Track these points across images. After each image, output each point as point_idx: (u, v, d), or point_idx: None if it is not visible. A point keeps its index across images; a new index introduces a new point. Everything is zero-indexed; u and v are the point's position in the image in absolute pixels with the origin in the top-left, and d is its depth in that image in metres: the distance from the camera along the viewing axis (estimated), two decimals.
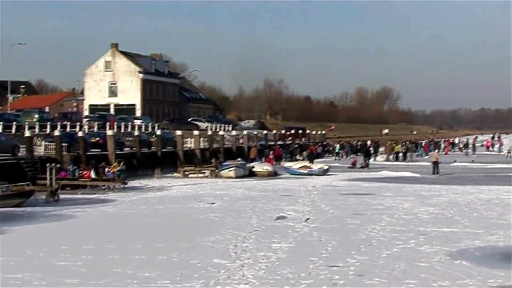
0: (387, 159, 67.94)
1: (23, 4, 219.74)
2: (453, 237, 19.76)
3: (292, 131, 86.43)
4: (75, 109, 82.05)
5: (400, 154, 69.14)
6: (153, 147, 51.93)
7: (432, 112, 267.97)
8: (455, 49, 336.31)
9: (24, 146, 39.49)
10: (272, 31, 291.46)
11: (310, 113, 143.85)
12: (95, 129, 56.40)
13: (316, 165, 49.55)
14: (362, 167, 55.51)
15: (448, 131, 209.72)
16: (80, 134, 44.63)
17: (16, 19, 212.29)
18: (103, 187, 36.28)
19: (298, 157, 65.82)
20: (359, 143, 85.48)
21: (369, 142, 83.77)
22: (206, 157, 54.92)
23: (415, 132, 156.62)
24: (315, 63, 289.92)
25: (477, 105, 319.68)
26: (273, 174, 46.67)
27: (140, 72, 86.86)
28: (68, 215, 25.35)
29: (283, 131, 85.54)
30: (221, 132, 65.73)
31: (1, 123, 48.40)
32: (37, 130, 49.50)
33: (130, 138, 51.55)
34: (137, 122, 67.23)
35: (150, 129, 63.72)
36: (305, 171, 47.11)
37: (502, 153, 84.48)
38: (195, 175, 45.50)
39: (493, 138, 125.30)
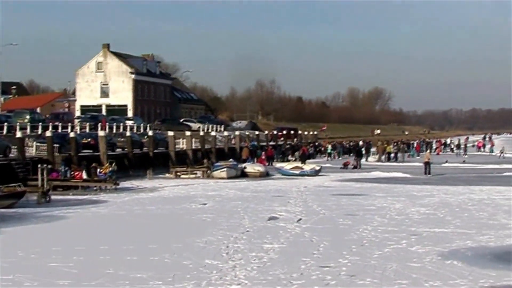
0: (379, 160, 68.09)
1: (13, 5, 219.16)
2: (445, 237, 19.82)
3: (284, 132, 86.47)
4: (66, 109, 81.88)
5: (392, 155, 69.31)
6: (145, 148, 51.85)
7: (424, 112, 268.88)
8: (447, 49, 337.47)
9: (15, 147, 39.35)
10: (264, 31, 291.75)
11: (302, 114, 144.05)
12: (87, 130, 56.25)
13: (308, 166, 49.58)
14: (354, 167, 55.60)
15: (439, 132, 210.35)
16: (71, 135, 44.50)
17: (7, 19, 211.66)
18: (95, 188, 36.19)
19: (290, 157, 65.84)
20: (351, 143, 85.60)
21: (361, 143, 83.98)
22: (198, 158, 54.88)
23: (406, 133, 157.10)
24: (307, 63, 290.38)
25: (469, 106, 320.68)
26: (265, 175, 46.66)
27: (131, 72, 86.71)
28: (59, 216, 25.28)
29: (275, 132, 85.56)
30: (213, 133, 65.69)
31: None
32: (28, 131, 49.36)
33: (122, 139, 51.43)
34: (129, 122, 67.10)
35: (142, 130, 63.62)
36: (297, 172, 47.12)
37: (493, 154, 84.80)
38: (187, 176, 45.48)
39: (484, 138, 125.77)
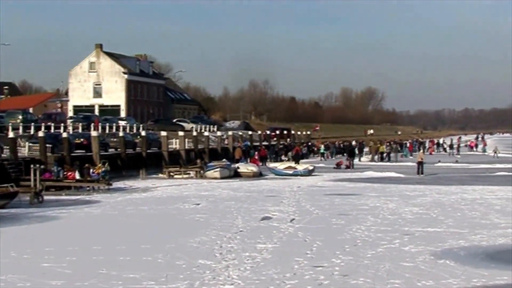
0: (372, 160, 68.19)
1: (6, 5, 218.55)
2: (438, 237, 19.86)
3: (277, 132, 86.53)
4: (59, 110, 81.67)
5: (385, 155, 69.40)
6: (138, 148, 51.78)
7: (417, 112, 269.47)
8: (440, 49, 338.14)
9: (8, 147, 39.24)
10: (259, 32, 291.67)
11: (295, 114, 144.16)
12: (80, 130, 56.14)
13: (301, 166, 49.60)
14: (347, 167, 55.66)
15: (432, 132, 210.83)
16: (64, 135, 44.43)
17: None
18: (88, 188, 36.12)
19: (283, 157, 65.86)
20: (344, 143, 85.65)
21: (354, 143, 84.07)
22: (191, 158, 54.83)
23: (399, 133, 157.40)
24: (300, 63, 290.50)
25: (461, 106, 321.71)
26: (258, 175, 46.65)
27: (124, 72, 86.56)
28: (52, 217, 25.23)
29: (268, 132, 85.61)
30: (206, 133, 65.66)
31: None
32: (21, 131, 49.22)
33: (115, 139, 51.33)
34: (122, 123, 66.98)
35: (135, 130, 63.50)
36: (290, 172, 47.13)
37: (486, 153, 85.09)
38: (180, 176, 45.44)
39: (477, 138, 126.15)
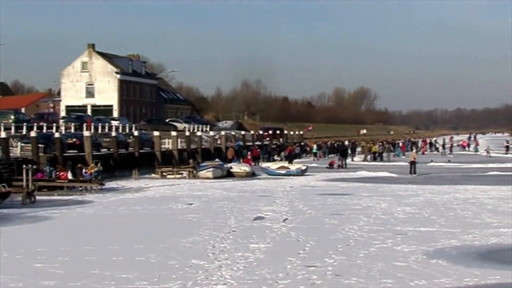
0: (365, 159, 68.30)
1: None
2: (430, 236, 19.91)
3: (270, 132, 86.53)
4: (51, 110, 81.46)
5: (377, 154, 69.48)
6: (131, 148, 51.68)
7: (409, 112, 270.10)
8: (434, 49, 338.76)
9: (0, 147, 39.11)
10: (250, 32, 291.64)
11: (288, 114, 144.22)
12: (72, 130, 56.03)
13: (294, 166, 49.62)
14: (340, 167, 55.72)
15: (424, 131, 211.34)
16: (56, 135, 44.31)
17: None
18: (80, 188, 36.02)
19: (276, 157, 65.88)
20: (337, 143, 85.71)
21: (346, 142, 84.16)
22: (184, 158, 54.77)
23: (392, 132, 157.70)
24: (292, 63, 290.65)
25: (453, 106, 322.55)
26: (251, 175, 46.66)
27: (117, 72, 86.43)
28: (44, 217, 25.17)
29: (260, 132, 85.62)
30: (198, 133, 65.61)
31: None
32: (13, 131, 49.09)
33: (107, 139, 51.23)
34: (114, 123, 66.86)
35: (127, 130, 63.41)
36: (283, 172, 47.15)
37: (478, 153, 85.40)
38: (173, 176, 45.40)
39: (469, 138, 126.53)
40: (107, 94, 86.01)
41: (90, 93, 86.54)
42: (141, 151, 51.55)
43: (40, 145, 41.19)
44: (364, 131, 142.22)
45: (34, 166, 35.24)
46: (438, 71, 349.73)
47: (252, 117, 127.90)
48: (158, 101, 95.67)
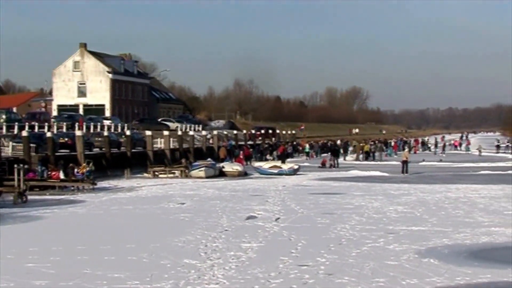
0: (357, 159, 68.38)
1: None
2: (422, 235, 19.95)
3: (262, 131, 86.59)
4: (43, 109, 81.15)
5: (370, 153, 69.58)
6: (123, 148, 51.60)
7: (401, 111, 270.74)
8: (424, 48, 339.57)
9: None
10: (244, 31, 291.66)
11: (280, 113, 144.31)
12: (64, 130, 55.90)
13: (286, 165, 49.69)
14: (332, 166, 55.77)
15: (416, 131, 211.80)
16: (48, 134, 44.20)
17: None
18: (72, 188, 35.96)
19: (268, 157, 65.89)
20: (329, 143, 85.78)
21: (338, 142, 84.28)
22: (176, 157, 54.73)
23: (384, 132, 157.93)
24: (285, 63, 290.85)
25: (445, 105, 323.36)
26: (243, 174, 46.67)
27: (109, 72, 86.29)
28: (36, 216, 25.10)
29: (253, 131, 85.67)
30: (191, 132, 65.55)
31: None
32: (4, 130, 48.97)
33: (100, 139, 51.16)
34: (107, 122, 66.73)
35: (119, 130, 63.30)
36: (275, 171, 47.19)
37: (470, 152, 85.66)
38: (165, 176, 45.36)
39: (461, 137, 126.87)
40: (99, 93, 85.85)
41: (82, 93, 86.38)
42: (133, 150, 51.47)
43: (31, 145, 41.09)
44: (356, 130, 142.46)
45: (26, 166, 35.14)
46: (430, 70, 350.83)
47: (244, 117, 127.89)
48: (150, 101, 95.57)
